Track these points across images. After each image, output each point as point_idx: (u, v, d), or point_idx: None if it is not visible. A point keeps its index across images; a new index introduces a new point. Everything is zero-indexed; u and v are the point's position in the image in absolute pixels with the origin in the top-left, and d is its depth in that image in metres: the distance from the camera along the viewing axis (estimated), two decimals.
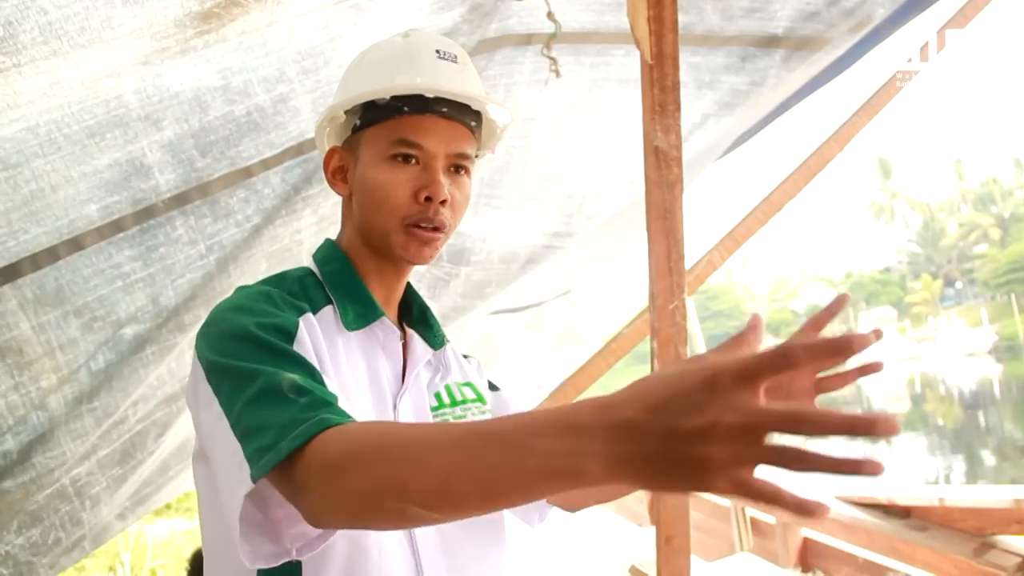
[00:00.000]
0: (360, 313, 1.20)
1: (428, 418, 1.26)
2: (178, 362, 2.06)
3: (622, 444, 0.65)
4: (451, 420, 1.29)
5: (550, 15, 2.11)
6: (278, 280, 1.20)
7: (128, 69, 1.60)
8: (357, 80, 1.24)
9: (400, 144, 1.18)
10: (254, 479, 0.88)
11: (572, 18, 2.25)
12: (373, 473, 0.80)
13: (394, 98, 1.19)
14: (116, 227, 1.82)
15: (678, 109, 1.37)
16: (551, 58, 2.16)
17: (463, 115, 1.23)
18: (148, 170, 1.81)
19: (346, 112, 1.24)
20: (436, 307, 2.77)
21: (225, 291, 1.94)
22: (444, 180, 1.20)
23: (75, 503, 2.01)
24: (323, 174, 1.54)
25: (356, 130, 1.23)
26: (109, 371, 1.85)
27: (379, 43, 1.28)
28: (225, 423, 0.97)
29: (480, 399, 1.36)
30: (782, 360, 0.59)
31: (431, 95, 1.19)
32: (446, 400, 1.31)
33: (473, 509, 0.78)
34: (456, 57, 1.25)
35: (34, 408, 1.79)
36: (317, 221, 2.18)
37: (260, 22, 1.69)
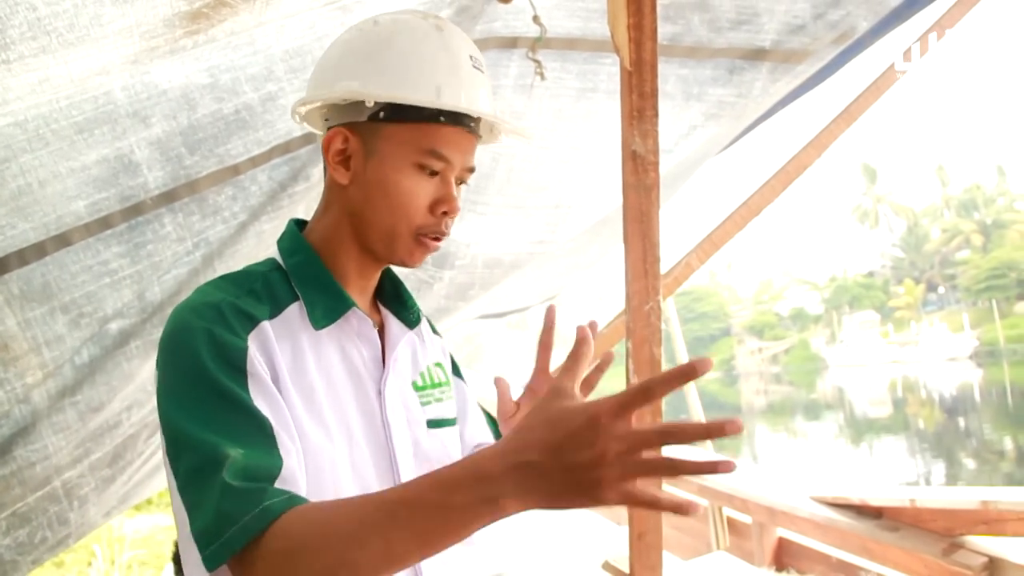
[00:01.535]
0: (329, 307, 1.18)
1: (411, 400, 1.26)
2: None
3: (530, 481, 0.81)
4: (432, 403, 1.30)
5: (536, 19, 2.14)
6: (240, 279, 1.16)
7: (117, 67, 1.61)
8: (385, 66, 1.16)
9: (430, 155, 1.16)
10: (209, 569, 0.93)
11: (558, 24, 2.27)
12: (323, 561, 0.88)
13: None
14: (104, 224, 1.83)
15: (656, 115, 1.40)
16: (536, 61, 2.19)
17: (480, 129, 1.23)
18: (137, 167, 1.82)
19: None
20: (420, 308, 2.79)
21: None
22: (456, 193, 1.20)
23: (64, 504, 2.02)
24: (310, 172, 1.55)
25: (374, 118, 1.16)
26: (93, 365, 1.86)
27: (407, 24, 1.20)
28: (173, 481, 1.00)
29: (447, 381, 1.37)
30: (645, 395, 0.79)
31: (476, 115, 1.19)
32: (427, 380, 1.32)
33: (416, 561, 0.89)
34: (483, 65, 1.24)
35: (17, 402, 1.80)
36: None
37: (249, 23, 1.71)
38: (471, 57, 1.20)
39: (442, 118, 1.15)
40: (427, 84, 1.15)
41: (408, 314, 1.30)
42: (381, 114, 1.15)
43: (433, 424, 1.28)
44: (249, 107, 1.90)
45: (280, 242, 1.25)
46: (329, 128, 1.20)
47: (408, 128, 1.16)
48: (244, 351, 1.05)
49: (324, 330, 1.17)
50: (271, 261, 1.23)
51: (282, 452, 1.00)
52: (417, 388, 1.29)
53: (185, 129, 1.85)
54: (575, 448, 0.79)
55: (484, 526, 0.85)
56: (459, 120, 1.17)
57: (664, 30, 2.34)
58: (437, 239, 1.21)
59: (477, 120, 1.21)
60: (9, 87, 1.47)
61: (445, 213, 1.18)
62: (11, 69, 1.39)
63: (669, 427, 0.78)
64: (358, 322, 1.22)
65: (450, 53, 1.18)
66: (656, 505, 0.78)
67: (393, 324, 1.27)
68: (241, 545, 0.90)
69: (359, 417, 1.17)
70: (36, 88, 1.53)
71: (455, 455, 1.31)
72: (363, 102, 1.15)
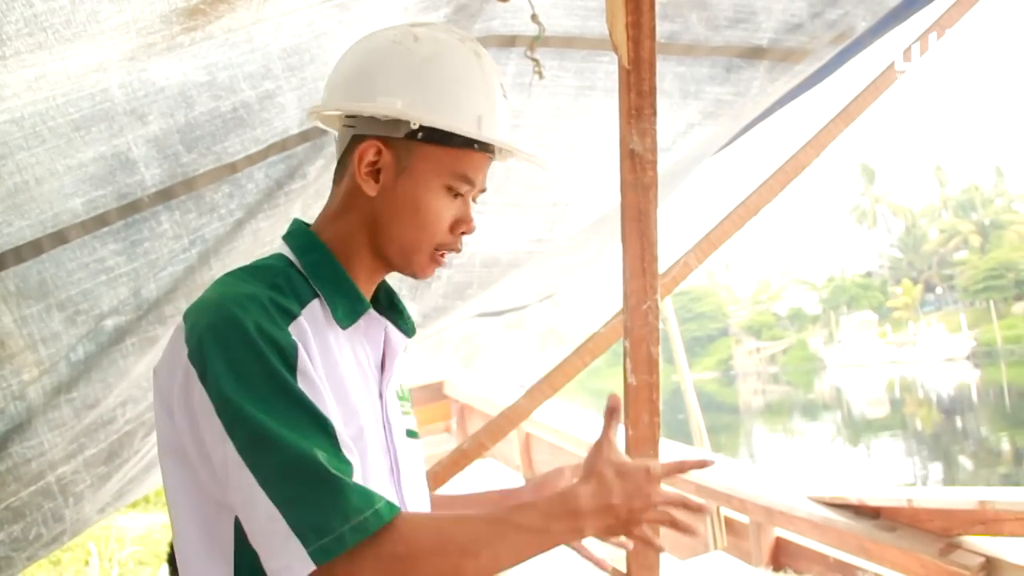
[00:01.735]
0: (349, 308, 1.21)
1: (398, 407, 1.30)
2: None
3: (607, 518, 1.13)
4: (407, 414, 1.35)
5: (534, 17, 2.13)
6: (260, 273, 1.18)
7: (114, 64, 1.61)
8: (429, 89, 1.19)
9: (461, 179, 1.23)
10: (317, 563, 0.97)
11: (556, 22, 2.27)
12: (437, 567, 1.03)
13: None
14: (101, 221, 1.82)
15: (654, 114, 1.40)
16: (534, 59, 2.18)
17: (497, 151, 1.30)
18: (134, 164, 1.81)
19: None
20: (417, 308, 2.78)
21: (206, 284, 1.95)
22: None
23: (58, 500, 2.01)
24: (306, 170, 1.55)
25: (410, 136, 1.20)
26: (88, 362, 1.85)
27: (448, 47, 1.23)
28: (249, 477, 1.00)
29: (408, 396, 1.40)
30: (679, 468, 1.22)
31: (510, 149, 1.28)
32: (403, 392, 1.36)
33: (508, 569, 1.09)
34: (507, 92, 1.31)
35: (13, 399, 1.79)
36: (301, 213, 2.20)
37: (247, 20, 1.70)
38: (501, 86, 1.28)
39: (476, 146, 1.22)
40: (469, 113, 1.21)
41: (404, 324, 1.33)
42: (419, 135, 1.19)
43: (409, 434, 1.33)
44: (247, 105, 1.89)
45: (290, 239, 1.27)
46: (355, 135, 1.23)
47: (444, 152, 1.21)
48: (295, 348, 1.08)
49: (345, 329, 1.21)
50: (281, 257, 1.24)
51: (346, 453, 1.06)
52: (399, 398, 1.33)
53: (182, 127, 1.84)
54: (636, 496, 1.14)
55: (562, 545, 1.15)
56: (489, 148, 1.25)
57: (662, 28, 2.34)
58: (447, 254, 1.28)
59: (494, 146, 1.27)
60: (5, 84, 1.46)
61: (463, 232, 1.27)
62: (7, 65, 1.38)
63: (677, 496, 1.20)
64: (367, 325, 1.25)
65: (487, 83, 1.25)
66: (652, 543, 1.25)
67: (392, 331, 1.30)
68: (355, 543, 0.97)
69: (369, 416, 1.20)
70: (32, 85, 1.53)
71: (423, 469, 1.38)
72: (403, 120, 1.19)
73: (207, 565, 1.11)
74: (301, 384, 1.06)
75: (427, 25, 1.28)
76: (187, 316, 1.13)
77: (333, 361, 1.15)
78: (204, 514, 1.11)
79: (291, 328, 1.10)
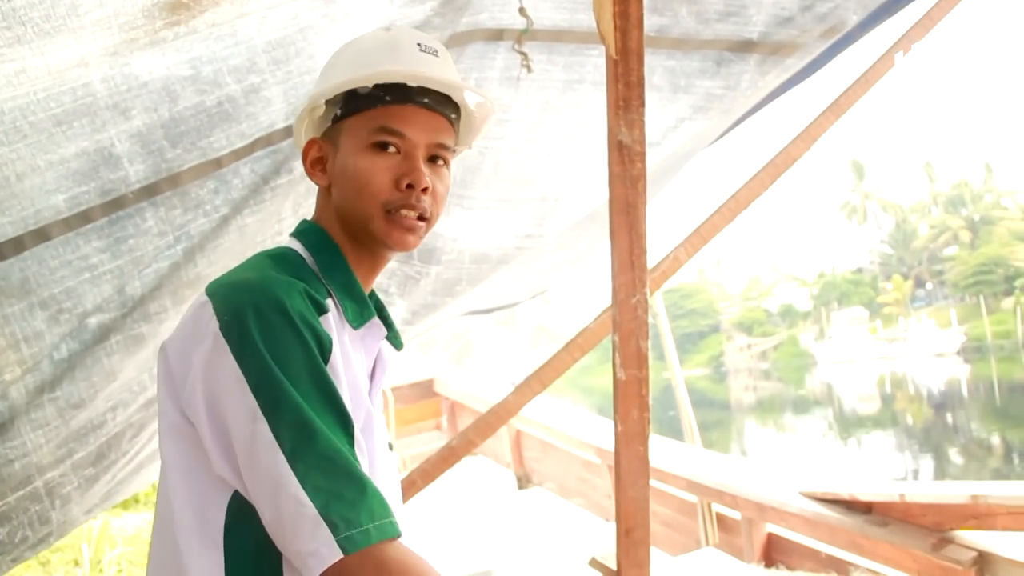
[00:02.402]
0: (357, 311, 1.23)
1: (380, 417, 1.30)
2: (154, 362, 2.04)
3: None
4: (382, 425, 1.33)
5: (522, 10, 2.12)
6: (284, 263, 1.20)
7: (96, 59, 1.58)
8: (338, 71, 1.26)
9: (382, 132, 1.22)
10: (344, 552, 0.98)
11: (544, 16, 2.25)
12: None
13: (376, 87, 1.22)
14: (84, 218, 1.80)
15: (642, 105, 1.39)
16: (522, 53, 2.17)
17: (444, 107, 1.27)
18: (117, 160, 1.79)
19: (327, 103, 1.26)
20: (406, 304, 2.77)
21: (192, 281, 1.93)
22: (425, 169, 1.23)
23: (45, 503, 1.99)
24: (292, 165, 1.55)
25: (336, 120, 1.25)
26: (72, 360, 1.83)
27: (361, 36, 1.31)
28: (280, 459, 1.01)
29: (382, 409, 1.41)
30: None
31: (413, 83, 1.22)
32: (382, 404, 1.36)
33: None
34: (437, 52, 1.29)
35: None
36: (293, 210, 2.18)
37: (231, 14, 1.68)
38: (419, 44, 1.27)
39: (388, 98, 1.22)
40: (364, 69, 1.23)
41: (394, 338, 1.34)
42: (339, 112, 1.24)
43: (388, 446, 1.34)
44: (232, 99, 1.87)
45: (302, 236, 1.28)
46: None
47: (360, 116, 1.23)
48: (331, 342, 1.10)
49: (356, 331, 1.23)
50: (293, 252, 1.25)
51: (359, 454, 1.08)
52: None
53: (166, 121, 1.82)
54: None
55: None
56: (407, 97, 1.23)
57: (651, 21, 2.33)
58: (418, 218, 1.24)
59: (437, 97, 1.26)
60: None
61: (410, 186, 1.21)
62: None
63: None
64: (367, 332, 1.26)
65: (392, 43, 1.27)
66: None
67: (384, 344, 1.32)
68: (378, 540, 1.00)
69: (363, 419, 1.20)
70: (12, 80, 1.51)
71: (397, 481, 1.38)
72: (328, 110, 1.25)
73: (199, 551, 1.09)
74: (332, 378, 1.08)
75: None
76: (215, 292, 1.12)
77: (348, 360, 1.17)
78: (201, 498, 1.11)
79: (322, 321, 1.12)
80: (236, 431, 1.05)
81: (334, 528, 0.98)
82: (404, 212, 1.22)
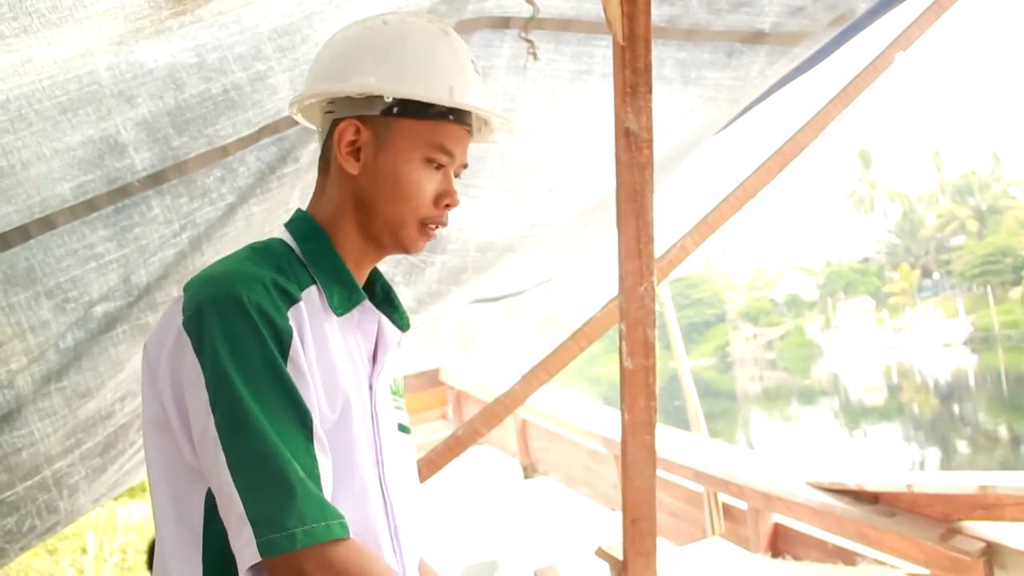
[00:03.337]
0: (345, 296, 1.23)
1: (389, 401, 1.32)
2: None
3: None
4: (399, 409, 1.36)
5: None
6: (266, 255, 1.20)
7: (102, 48, 1.58)
8: (401, 65, 1.23)
9: (439, 150, 1.25)
10: (262, 555, 0.99)
11: (552, 4, 2.23)
12: None
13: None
14: (90, 207, 1.80)
15: (649, 91, 1.38)
16: (529, 41, 2.15)
17: (473, 126, 1.32)
18: (123, 148, 1.78)
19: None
20: (412, 293, 2.76)
21: (197, 270, 1.92)
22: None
23: (53, 492, 1.99)
24: (299, 154, 1.54)
25: (387, 113, 1.23)
26: (78, 349, 1.83)
27: (417, 27, 1.27)
28: (221, 455, 1.03)
29: (403, 394, 1.42)
30: None
31: (483, 115, 1.29)
32: (396, 387, 1.38)
33: None
34: (479, 67, 1.34)
35: (1, 388, 1.77)
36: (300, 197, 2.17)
37: (236, 2, 1.67)
38: (472, 61, 1.31)
39: (451, 116, 1.24)
40: (441, 84, 1.24)
41: (400, 318, 1.35)
42: (395, 109, 1.23)
43: (400, 428, 1.35)
44: (238, 87, 1.86)
45: (291, 225, 1.30)
46: (334, 120, 1.27)
47: (420, 124, 1.24)
48: (291, 335, 1.11)
49: (339, 318, 1.23)
50: (281, 242, 1.26)
51: (318, 450, 1.08)
52: (392, 392, 1.35)
53: (172, 109, 1.81)
54: None
55: None
56: (463, 119, 1.27)
57: (661, 12, 2.31)
58: (437, 228, 1.29)
59: (475, 119, 1.32)
60: None
61: (447, 205, 1.27)
62: None
63: None
64: (361, 316, 1.27)
65: (457, 57, 1.28)
66: None
67: (386, 324, 1.32)
68: (302, 546, 0.99)
69: (357, 406, 1.21)
70: (19, 69, 1.50)
71: (413, 464, 1.39)
72: (376, 97, 1.22)
73: (177, 543, 1.13)
74: (290, 371, 1.08)
75: (398, 13, 1.33)
76: (188, 287, 1.15)
77: (326, 347, 1.17)
78: (179, 489, 1.13)
79: (290, 312, 1.13)
80: (194, 424, 1.08)
81: (257, 529, 0.99)
82: (433, 226, 1.28)
